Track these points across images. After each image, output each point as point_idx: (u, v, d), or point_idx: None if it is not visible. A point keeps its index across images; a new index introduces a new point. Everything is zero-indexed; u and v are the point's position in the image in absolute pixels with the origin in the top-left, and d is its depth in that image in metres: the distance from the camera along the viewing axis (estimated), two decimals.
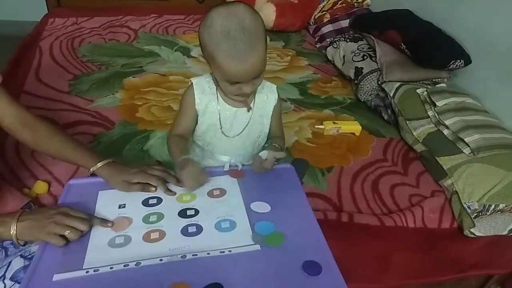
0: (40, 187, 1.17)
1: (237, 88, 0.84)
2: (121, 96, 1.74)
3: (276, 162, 0.93)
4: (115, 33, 2.32)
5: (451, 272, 1.21)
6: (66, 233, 0.76)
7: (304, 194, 0.95)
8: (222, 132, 0.97)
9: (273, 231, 0.83)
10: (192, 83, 0.95)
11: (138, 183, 0.90)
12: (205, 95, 0.94)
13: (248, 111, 0.96)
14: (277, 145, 0.96)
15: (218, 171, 0.98)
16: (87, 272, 0.72)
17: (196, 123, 0.99)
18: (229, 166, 1.00)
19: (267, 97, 0.98)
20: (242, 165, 1.00)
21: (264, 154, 0.89)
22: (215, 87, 0.94)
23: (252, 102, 0.96)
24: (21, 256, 0.88)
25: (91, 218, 0.81)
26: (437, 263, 1.22)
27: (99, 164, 0.92)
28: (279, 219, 0.86)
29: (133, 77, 1.89)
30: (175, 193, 0.91)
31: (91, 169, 0.93)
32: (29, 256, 0.89)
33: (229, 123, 0.96)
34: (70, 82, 1.80)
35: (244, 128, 0.97)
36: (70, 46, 2.12)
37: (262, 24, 0.81)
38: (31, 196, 1.13)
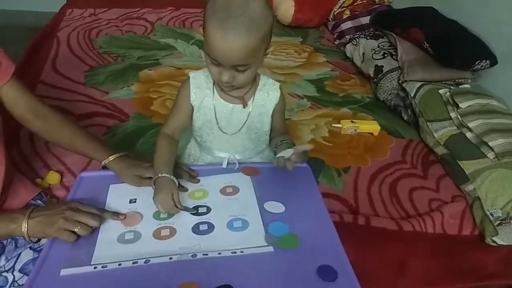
0: (52, 178, 1.17)
1: (218, 71, 0.79)
2: (136, 89, 1.73)
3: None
4: (132, 25, 2.31)
5: (469, 280, 1.17)
6: (77, 229, 0.74)
7: (320, 195, 0.92)
8: (219, 128, 0.93)
9: (287, 233, 0.80)
10: (189, 76, 0.92)
11: (150, 178, 0.88)
12: (201, 90, 0.90)
13: (244, 107, 0.91)
14: (288, 141, 0.91)
15: (231, 168, 0.95)
16: (95, 268, 0.70)
17: (191, 118, 0.95)
18: (227, 163, 0.96)
19: (268, 95, 0.93)
20: (245, 162, 0.96)
21: (287, 152, 0.82)
22: (212, 82, 0.90)
23: (252, 99, 0.92)
24: (31, 248, 0.88)
25: (102, 213, 0.80)
26: (456, 271, 1.18)
27: (111, 158, 0.91)
28: (293, 220, 0.83)
29: (149, 69, 1.88)
30: (187, 189, 0.89)
31: (102, 162, 0.91)
32: (39, 249, 0.88)
33: (225, 120, 0.93)
34: (86, 73, 1.80)
35: (242, 126, 0.93)
36: (87, 37, 2.12)
37: (268, 21, 0.76)
38: (43, 186, 1.13)
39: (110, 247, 0.75)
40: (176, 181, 0.84)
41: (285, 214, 0.85)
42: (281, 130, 0.99)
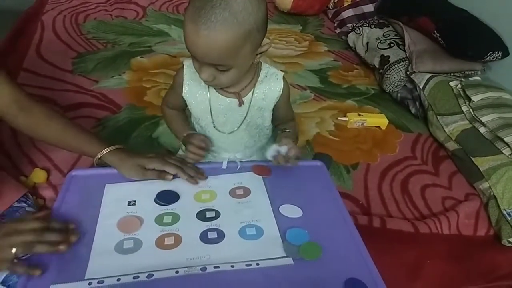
0: (38, 176, 1.07)
1: (197, 65, 0.70)
2: (128, 78, 1.63)
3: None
4: (123, 10, 2.19)
5: (484, 281, 1.12)
6: (13, 252, 0.60)
7: (339, 197, 0.84)
8: (215, 127, 0.83)
9: (307, 241, 0.72)
10: (183, 65, 0.81)
11: (154, 170, 0.79)
12: (194, 82, 0.80)
13: (240, 105, 0.81)
14: (290, 131, 0.83)
15: (241, 167, 0.86)
16: (89, 284, 0.61)
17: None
18: (227, 162, 0.87)
19: (269, 87, 0.82)
20: (240, 162, 0.87)
21: (283, 149, 0.74)
22: None
23: (251, 93, 0.81)
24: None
25: (49, 222, 0.66)
26: (471, 272, 1.13)
27: (108, 149, 0.81)
28: (313, 227, 0.74)
29: (141, 57, 1.78)
30: (197, 182, 0.81)
31: (98, 155, 0.81)
32: (23, 258, 0.78)
33: (222, 116, 0.82)
34: (74, 60, 1.69)
35: (241, 124, 0.83)
36: (74, 22, 2.00)
37: (253, 15, 0.63)
38: (28, 185, 1.03)
39: (106, 258, 0.66)
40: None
41: (303, 219, 0.76)
42: (287, 118, 0.90)
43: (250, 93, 0.81)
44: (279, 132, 0.84)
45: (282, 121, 0.89)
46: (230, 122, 0.83)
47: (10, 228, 0.64)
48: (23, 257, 0.72)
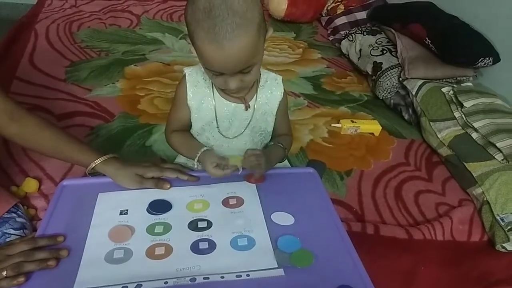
0: (29, 185, 1.05)
1: (222, 80, 0.71)
2: (122, 86, 1.62)
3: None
4: (116, 18, 2.19)
5: (477, 287, 1.11)
6: (4, 274, 0.61)
7: (331, 204, 0.84)
8: (219, 132, 0.84)
9: (299, 248, 0.71)
10: (184, 73, 0.82)
11: (152, 178, 0.79)
12: (198, 89, 0.80)
13: (246, 109, 0.82)
14: (281, 145, 0.86)
15: (234, 176, 0.86)
16: None
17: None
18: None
19: (271, 91, 0.84)
20: (243, 168, 0.87)
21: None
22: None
23: (254, 97, 0.82)
24: None
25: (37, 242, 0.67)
26: (465, 279, 1.12)
27: (102, 159, 0.81)
28: (304, 234, 0.74)
29: (135, 65, 1.78)
30: (198, 178, 0.84)
31: (92, 165, 0.80)
32: None
33: (227, 121, 0.83)
34: (67, 69, 1.68)
35: (245, 129, 0.85)
36: (67, 30, 2.00)
37: (256, 8, 0.66)
38: (19, 195, 1.01)
39: (96, 268, 0.65)
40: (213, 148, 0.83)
41: (295, 227, 0.76)
42: (283, 131, 0.91)
43: (254, 98, 0.82)
44: (270, 143, 0.86)
45: (280, 132, 0.90)
46: (235, 127, 0.84)
47: (0, 254, 0.64)
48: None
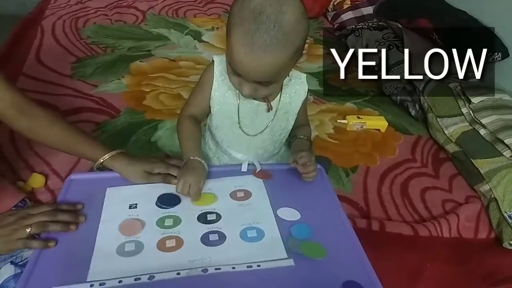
0: (36, 181, 1.06)
1: (238, 81, 0.70)
2: (128, 82, 1.62)
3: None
4: (122, 14, 2.19)
5: (484, 284, 1.10)
6: (28, 230, 0.65)
7: (338, 200, 0.83)
8: (240, 128, 0.83)
9: (310, 237, 0.71)
10: (213, 60, 0.80)
11: (159, 174, 0.79)
12: (224, 81, 0.79)
13: (268, 111, 0.81)
14: (306, 137, 0.86)
15: (240, 170, 0.85)
16: (91, 286, 0.60)
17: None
18: (247, 165, 0.87)
19: (295, 90, 0.83)
20: (261, 164, 0.87)
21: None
22: None
23: (278, 97, 0.81)
24: (12, 262, 0.77)
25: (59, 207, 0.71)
26: (471, 276, 1.12)
27: (110, 154, 0.81)
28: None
29: (141, 61, 1.78)
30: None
31: (100, 160, 0.81)
32: (21, 263, 0.78)
33: (249, 119, 0.83)
34: (73, 65, 1.69)
35: (266, 127, 0.84)
36: (73, 27, 2.00)
37: (301, 34, 0.64)
38: (25, 190, 1.02)
39: (108, 260, 0.65)
40: (206, 168, 0.78)
41: (301, 223, 0.75)
42: (302, 122, 0.90)
43: (278, 97, 0.81)
44: (294, 138, 0.85)
45: (298, 124, 0.89)
46: (256, 125, 0.83)
47: (24, 213, 0.69)
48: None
